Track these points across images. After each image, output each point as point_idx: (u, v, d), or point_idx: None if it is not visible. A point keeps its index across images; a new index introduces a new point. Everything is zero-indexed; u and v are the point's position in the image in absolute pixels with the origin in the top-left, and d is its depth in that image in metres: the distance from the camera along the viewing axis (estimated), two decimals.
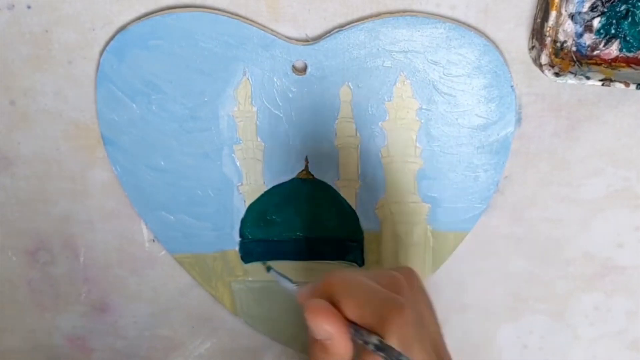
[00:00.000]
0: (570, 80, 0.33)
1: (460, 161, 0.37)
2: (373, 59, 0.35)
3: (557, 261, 0.41)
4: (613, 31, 0.33)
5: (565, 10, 0.33)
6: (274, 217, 0.39)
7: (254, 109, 0.36)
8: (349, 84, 0.36)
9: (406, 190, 0.38)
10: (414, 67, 0.35)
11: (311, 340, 0.29)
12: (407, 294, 0.29)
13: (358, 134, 0.37)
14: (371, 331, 0.28)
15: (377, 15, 0.34)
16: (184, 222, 0.39)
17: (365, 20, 0.34)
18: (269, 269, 0.34)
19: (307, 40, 0.35)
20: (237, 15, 0.35)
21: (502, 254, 0.40)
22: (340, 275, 0.29)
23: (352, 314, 0.28)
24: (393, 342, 0.27)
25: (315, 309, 0.28)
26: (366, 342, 0.27)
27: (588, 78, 0.33)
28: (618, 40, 0.34)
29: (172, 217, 0.39)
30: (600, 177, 0.38)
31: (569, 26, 0.33)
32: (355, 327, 0.28)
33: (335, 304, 0.28)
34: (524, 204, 0.39)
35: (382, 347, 0.27)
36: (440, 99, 0.36)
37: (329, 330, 0.28)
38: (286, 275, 0.33)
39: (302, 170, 0.38)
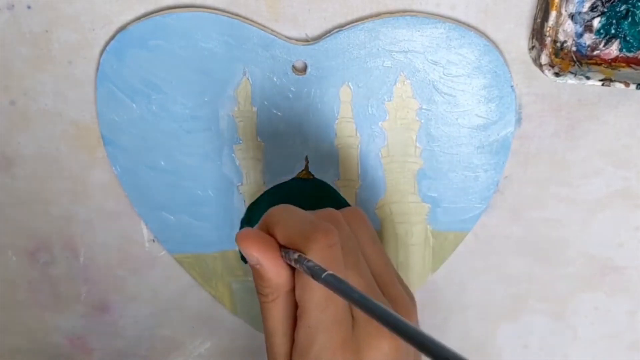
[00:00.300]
0: (570, 80, 0.33)
1: (460, 161, 0.37)
2: (373, 59, 0.35)
3: (557, 261, 0.41)
4: (613, 31, 0.33)
5: (565, 10, 0.33)
6: None
7: (254, 109, 0.36)
8: (349, 84, 0.36)
9: (406, 190, 0.38)
10: (414, 67, 0.35)
11: (252, 271, 0.30)
12: (342, 226, 0.30)
13: (358, 134, 0.37)
14: (295, 250, 0.28)
15: (377, 15, 0.34)
16: (184, 222, 0.39)
17: (365, 20, 0.34)
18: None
19: (307, 40, 0.35)
20: (237, 15, 0.35)
21: (502, 254, 0.40)
22: (276, 207, 0.30)
23: (282, 238, 0.29)
24: (315, 259, 0.27)
25: (242, 235, 0.29)
26: (290, 260, 0.28)
27: (588, 78, 0.33)
28: (618, 40, 0.34)
29: (172, 217, 0.39)
30: (600, 177, 0.38)
31: (569, 26, 0.33)
32: (285, 250, 0.28)
33: (270, 234, 0.29)
34: (524, 204, 0.39)
35: (299, 261, 0.27)
36: (440, 99, 0.36)
37: (254, 254, 0.29)
38: None
39: (302, 170, 0.38)
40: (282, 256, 0.29)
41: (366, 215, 0.33)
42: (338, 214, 0.31)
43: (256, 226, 0.31)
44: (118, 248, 0.41)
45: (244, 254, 0.29)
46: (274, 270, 0.29)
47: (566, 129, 0.37)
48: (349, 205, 0.38)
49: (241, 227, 0.39)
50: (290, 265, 0.29)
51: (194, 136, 0.37)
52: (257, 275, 0.30)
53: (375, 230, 0.33)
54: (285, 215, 0.30)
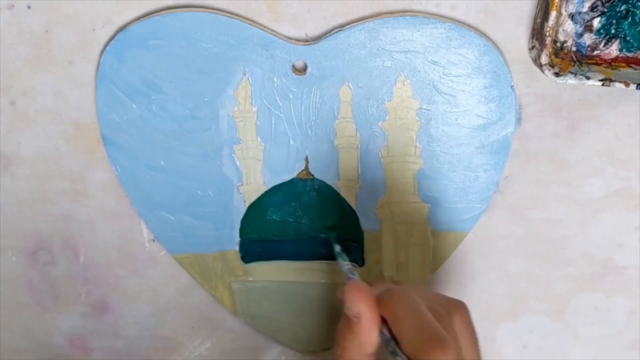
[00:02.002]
0: (570, 80, 0.33)
1: (460, 161, 0.37)
2: (373, 59, 0.35)
3: (557, 261, 0.41)
4: (613, 31, 0.33)
5: (565, 10, 0.33)
6: (274, 217, 0.39)
7: (254, 109, 0.36)
8: (349, 84, 0.36)
9: (406, 190, 0.38)
10: (414, 67, 0.35)
11: (342, 320, 0.30)
12: (451, 331, 0.30)
13: (358, 134, 0.37)
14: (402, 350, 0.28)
15: (377, 15, 0.34)
16: (184, 222, 0.39)
17: (365, 20, 0.34)
18: (334, 243, 0.37)
19: (307, 40, 0.35)
20: (237, 15, 0.35)
21: (502, 254, 0.40)
22: (401, 295, 0.30)
23: (395, 328, 0.29)
24: None
25: (355, 286, 0.29)
26: (394, 354, 0.28)
27: (588, 78, 0.33)
28: (618, 40, 0.34)
29: (172, 217, 0.39)
30: (600, 177, 0.38)
31: (569, 26, 0.33)
32: (392, 337, 0.29)
33: (382, 314, 0.29)
34: (524, 204, 0.39)
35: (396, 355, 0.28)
36: (440, 99, 0.36)
37: (360, 307, 0.29)
38: (346, 257, 0.36)
39: (302, 170, 0.38)
40: (381, 332, 0.29)
41: (470, 313, 0.32)
42: (448, 320, 0.31)
43: (366, 288, 0.30)
44: (118, 248, 0.41)
45: (346, 300, 0.29)
46: (369, 330, 0.29)
47: (566, 129, 0.37)
48: (353, 210, 0.38)
49: (241, 227, 0.39)
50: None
51: (194, 136, 0.37)
52: (348, 325, 0.29)
53: (476, 331, 0.32)
54: (409, 311, 0.29)
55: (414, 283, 0.34)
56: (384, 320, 0.29)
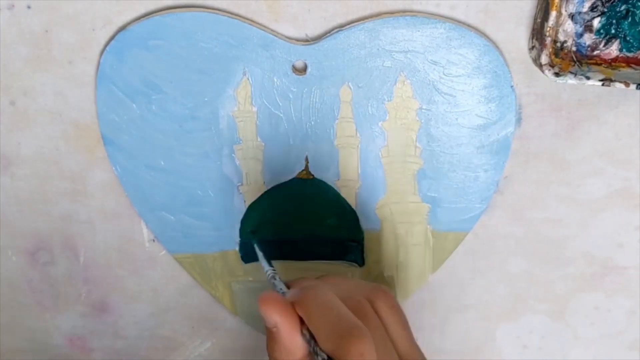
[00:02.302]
0: (570, 80, 0.33)
1: (460, 161, 0.37)
2: (373, 59, 0.35)
3: (557, 261, 0.41)
4: (613, 31, 0.33)
5: (565, 10, 0.33)
6: (274, 217, 0.39)
7: (254, 109, 0.36)
8: (349, 84, 0.36)
9: (406, 190, 0.38)
10: (414, 67, 0.35)
11: (266, 333, 0.30)
12: (372, 319, 0.30)
13: (358, 134, 0.37)
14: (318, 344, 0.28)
15: (377, 15, 0.34)
16: (184, 222, 0.39)
17: (365, 20, 0.34)
18: (253, 238, 0.37)
19: (307, 40, 0.35)
20: (237, 15, 0.35)
21: (502, 254, 0.40)
22: (311, 291, 0.30)
23: (312, 326, 0.29)
24: None
25: (267, 298, 0.29)
26: (316, 354, 0.28)
27: (588, 78, 0.33)
28: (618, 40, 0.34)
29: (172, 217, 0.39)
30: (600, 177, 0.38)
31: (569, 26, 0.33)
32: (312, 337, 0.29)
33: (299, 313, 0.29)
34: (524, 204, 0.39)
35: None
36: (440, 99, 0.36)
37: (274, 317, 0.29)
38: (268, 259, 0.36)
39: (302, 170, 0.38)
40: (302, 334, 0.29)
41: (394, 296, 0.33)
42: (367, 305, 0.31)
43: (287, 295, 0.31)
44: (118, 248, 0.41)
45: (262, 315, 0.29)
46: (290, 338, 0.29)
47: (566, 129, 0.37)
48: (353, 210, 0.38)
49: (241, 227, 0.39)
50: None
51: (194, 136, 0.37)
52: (271, 337, 0.30)
53: (403, 312, 0.33)
54: (321, 308, 0.29)
55: (333, 275, 0.34)
56: (303, 322, 0.29)
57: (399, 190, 0.38)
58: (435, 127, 0.36)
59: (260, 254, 0.37)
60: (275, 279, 0.33)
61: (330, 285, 0.32)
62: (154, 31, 0.35)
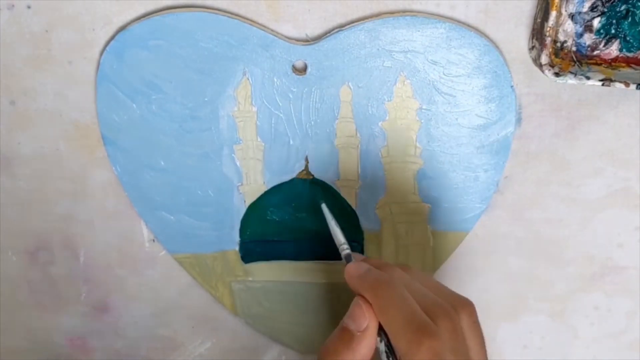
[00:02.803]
0: (570, 80, 0.33)
1: (460, 161, 0.37)
2: (373, 59, 0.35)
3: (557, 261, 0.41)
4: (613, 31, 0.33)
5: (565, 10, 0.33)
6: (274, 217, 0.39)
7: (254, 109, 0.36)
8: (349, 84, 0.36)
9: (406, 190, 0.38)
10: (414, 67, 0.35)
11: (337, 335, 0.30)
12: (457, 331, 0.29)
13: (358, 134, 0.37)
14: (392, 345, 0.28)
15: (377, 15, 0.34)
16: (184, 222, 0.39)
17: (365, 20, 0.34)
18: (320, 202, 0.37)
19: (307, 40, 0.35)
20: (237, 15, 0.35)
21: (502, 254, 0.40)
22: (388, 282, 0.30)
23: (382, 319, 0.29)
24: None
25: (361, 303, 0.29)
26: (387, 356, 0.28)
27: (588, 78, 0.33)
28: (618, 40, 0.34)
29: (172, 217, 0.39)
30: (600, 177, 0.38)
31: (569, 26, 0.33)
32: (386, 336, 0.28)
33: (370, 302, 0.29)
34: (524, 204, 0.39)
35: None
36: (440, 99, 0.36)
37: (366, 323, 0.29)
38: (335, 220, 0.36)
39: (302, 170, 0.38)
40: (379, 334, 0.29)
41: (477, 313, 0.31)
42: (452, 312, 0.30)
43: (365, 267, 0.30)
44: (118, 248, 0.41)
45: (353, 315, 0.29)
46: (368, 346, 0.29)
47: (566, 129, 0.37)
48: (353, 210, 0.38)
49: (241, 227, 0.39)
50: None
51: (194, 136, 0.37)
52: (342, 339, 0.29)
53: (482, 331, 0.31)
54: (398, 302, 0.29)
55: (420, 272, 0.33)
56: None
57: (399, 190, 0.38)
58: (435, 127, 0.36)
59: (332, 222, 0.36)
60: (349, 259, 0.33)
61: (420, 280, 0.31)
62: (154, 31, 0.35)
